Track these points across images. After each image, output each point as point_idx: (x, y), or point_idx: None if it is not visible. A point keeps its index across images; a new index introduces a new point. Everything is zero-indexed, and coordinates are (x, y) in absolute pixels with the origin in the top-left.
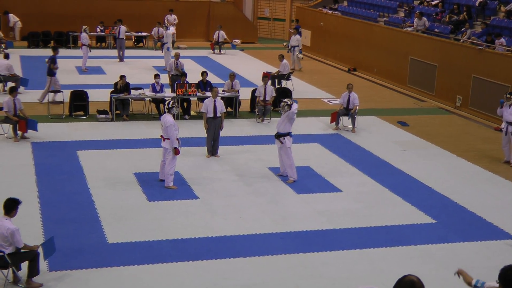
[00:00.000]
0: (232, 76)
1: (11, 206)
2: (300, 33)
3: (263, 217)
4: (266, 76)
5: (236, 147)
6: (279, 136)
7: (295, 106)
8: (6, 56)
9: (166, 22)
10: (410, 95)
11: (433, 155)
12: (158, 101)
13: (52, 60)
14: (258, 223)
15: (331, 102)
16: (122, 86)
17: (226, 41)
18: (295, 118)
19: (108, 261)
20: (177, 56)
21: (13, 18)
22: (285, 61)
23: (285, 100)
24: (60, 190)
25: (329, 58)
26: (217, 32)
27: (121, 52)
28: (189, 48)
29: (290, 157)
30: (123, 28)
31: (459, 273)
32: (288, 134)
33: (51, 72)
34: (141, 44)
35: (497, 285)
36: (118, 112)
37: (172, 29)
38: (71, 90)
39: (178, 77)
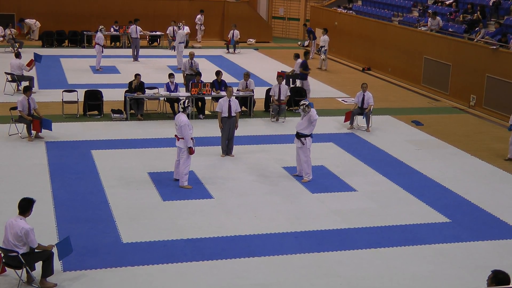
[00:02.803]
0: (247, 75)
1: (26, 206)
2: (314, 34)
3: (278, 216)
4: (281, 76)
5: (250, 146)
6: (300, 136)
7: (314, 112)
8: (18, 55)
9: (197, 21)
10: (424, 95)
11: (447, 154)
12: (172, 101)
13: (303, 65)
14: (273, 222)
15: (346, 102)
16: (137, 85)
17: (240, 40)
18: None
19: (122, 260)
20: (191, 56)
21: (29, 21)
22: (300, 60)
23: (303, 101)
24: (74, 189)
25: (343, 57)
26: (231, 31)
27: (135, 52)
28: (204, 48)
29: (308, 158)
30: (137, 27)
31: None
32: (310, 135)
33: (304, 76)
34: (155, 44)
35: None
36: (132, 111)
37: (186, 29)
38: (86, 89)
39: (192, 76)
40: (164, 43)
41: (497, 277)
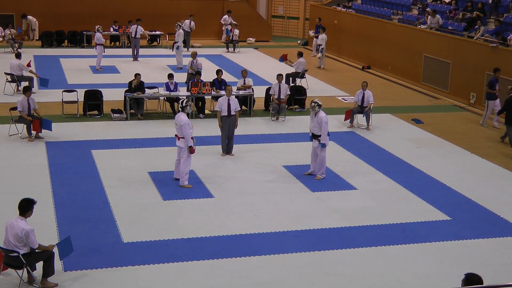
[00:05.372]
0: (244, 72)
1: (26, 206)
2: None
3: (278, 215)
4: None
5: (250, 145)
6: (316, 137)
7: (323, 114)
8: (18, 56)
9: (223, 22)
10: (424, 93)
11: (448, 152)
12: (172, 100)
13: (491, 84)
14: (273, 221)
15: (346, 100)
16: (137, 85)
17: (239, 40)
18: (327, 121)
19: (123, 260)
20: (193, 55)
21: (31, 18)
22: (301, 59)
23: (316, 100)
24: (75, 189)
25: (343, 56)
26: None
27: (135, 51)
28: (203, 47)
29: (323, 156)
30: (139, 27)
31: None
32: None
33: (491, 96)
34: (155, 43)
35: None
36: (132, 111)
37: (186, 23)
38: (85, 89)
39: (193, 76)
40: (163, 42)
41: (470, 280)
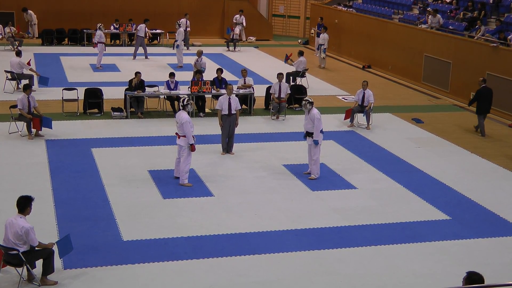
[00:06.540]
0: (244, 71)
1: (25, 203)
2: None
3: (278, 214)
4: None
5: (251, 144)
6: (310, 135)
7: (315, 111)
8: (18, 54)
9: (234, 21)
10: (424, 92)
11: (448, 152)
12: (172, 99)
13: None
14: (273, 220)
15: (346, 99)
16: (137, 83)
17: (240, 38)
18: (320, 118)
19: (123, 258)
20: (199, 54)
21: (32, 13)
22: (302, 58)
23: (306, 98)
24: (75, 188)
25: (344, 55)
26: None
27: (144, 50)
28: (204, 46)
29: (317, 154)
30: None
31: None
32: (320, 131)
33: None
34: (155, 42)
35: None
36: (132, 109)
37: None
38: (86, 87)
39: (195, 74)
40: (164, 41)
41: (471, 278)
